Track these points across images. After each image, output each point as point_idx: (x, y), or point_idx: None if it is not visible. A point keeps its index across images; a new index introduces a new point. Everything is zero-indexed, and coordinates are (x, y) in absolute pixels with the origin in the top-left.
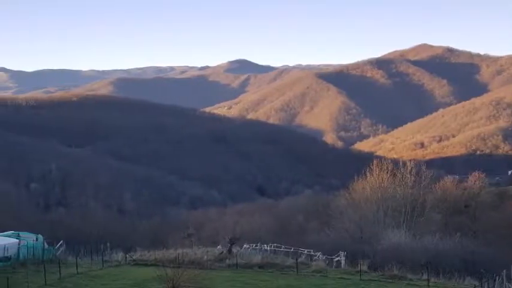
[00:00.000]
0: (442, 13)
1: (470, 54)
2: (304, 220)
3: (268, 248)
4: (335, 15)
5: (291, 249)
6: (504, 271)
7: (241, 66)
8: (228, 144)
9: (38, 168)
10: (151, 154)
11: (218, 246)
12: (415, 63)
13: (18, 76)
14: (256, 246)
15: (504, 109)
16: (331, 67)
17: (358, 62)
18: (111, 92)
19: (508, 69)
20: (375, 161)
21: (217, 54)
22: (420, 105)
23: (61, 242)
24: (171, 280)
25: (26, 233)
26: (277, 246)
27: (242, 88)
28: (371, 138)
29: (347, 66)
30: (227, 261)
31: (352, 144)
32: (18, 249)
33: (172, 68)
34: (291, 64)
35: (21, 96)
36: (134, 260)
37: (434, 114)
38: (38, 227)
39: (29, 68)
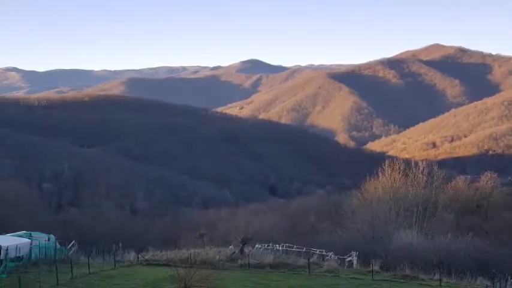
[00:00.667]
0: (454, 13)
1: (482, 54)
2: (316, 220)
3: (280, 248)
4: (347, 15)
5: (303, 249)
6: None
7: (253, 66)
8: (240, 144)
9: (50, 168)
10: (163, 154)
11: (230, 246)
12: (427, 63)
13: (30, 76)
14: (268, 246)
15: None
16: (343, 67)
17: (370, 62)
18: (123, 92)
19: None
20: (386, 161)
21: (229, 54)
22: (432, 105)
23: (73, 242)
24: (183, 280)
25: (38, 233)
26: (289, 246)
27: (254, 88)
28: (383, 138)
29: (359, 66)
30: (239, 261)
31: (364, 144)
32: (30, 249)
33: (184, 68)
34: (303, 64)
35: (33, 96)
36: (146, 260)
37: (446, 114)
38: (50, 227)
39: (41, 68)
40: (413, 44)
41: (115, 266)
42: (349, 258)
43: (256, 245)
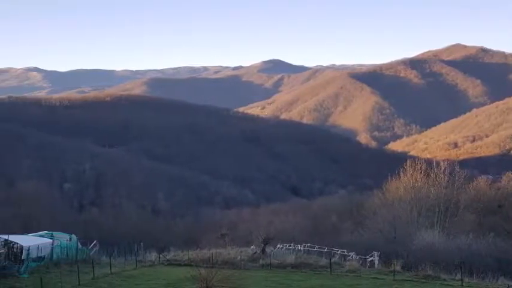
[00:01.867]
0: (475, 13)
1: (503, 54)
2: (337, 220)
3: (301, 248)
4: (368, 15)
5: (324, 249)
6: None
7: (275, 66)
8: (262, 144)
9: (72, 168)
10: (184, 154)
11: (252, 246)
12: (449, 63)
13: (52, 76)
14: (290, 246)
15: None
16: (365, 67)
17: (391, 62)
18: (145, 92)
19: None
20: (408, 161)
21: (250, 54)
22: (454, 105)
23: (95, 242)
24: (204, 280)
25: (59, 233)
26: (310, 246)
27: (276, 88)
28: (404, 138)
29: (381, 66)
30: (261, 261)
31: (386, 144)
32: (52, 249)
33: (206, 68)
34: (325, 64)
35: (55, 96)
36: (168, 260)
37: (468, 114)
38: (72, 227)
39: (63, 68)
40: (434, 44)
41: (136, 266)
42: (370, 258)
43: (278, 245)
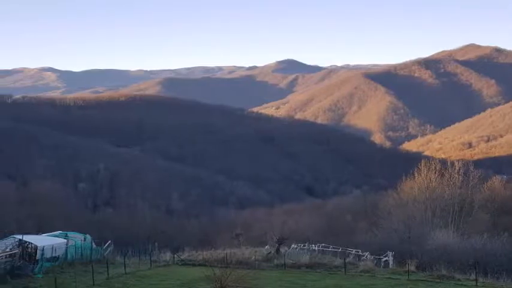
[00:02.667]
0: (489, 13)
1: None
2: (352, 220)
3: (316, 248)
4: (383, 15)
5: (339, 249)
6: None
7: (289, 66)
8: (276, 144)
9: (86, 168)
10: (199, 154)
11: (266, 246)
12: (463, 63)
13: (66, 76)
14: (304, 246)
15: None
16: (379, 67)
17: (406, 62)
18: (159, 92)
19: None
20: (423, 161)
21: (265, 54)
22: (468, 105)
23: (109, 242)
24: (219, 280)
25: (74, 233)
26: (325, 246)
27: (290, 88)
28: (419, 138)
29: (395, 66)
30: (275, 261)
31: (400, 144)
32: (66, 249)
33: (220, 68)
34: (339, 64)
35: (69, 96)
36: (182, 260)
37: (482, 114)
38: (86, 227)
39: (77, 68)
40: (449, 44)
41: (151, 266)
42: (385, 258)
43: (293, 245)
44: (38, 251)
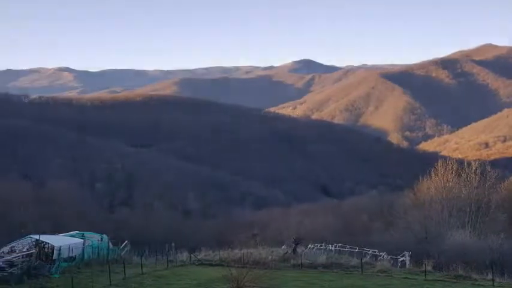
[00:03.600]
0: (506, 13)
1: None
2: (368, 220)
3: (332, 248)
4: (400, 15)
5: (355, 249)
6: None
7: (306, 66)
8: (293, 144)
9: (103, 168)
10: (215, 154)
11: (283, 246)
12: (480, 63)
13: (83, 76)
14: (321, 246)
15: None
16: (396, 67)
17: (423, 62)
18: (176, 92)
19: None
20: (439, 161)
21: (282, 54)
22: (485, 105)
23: (126, 242)
24: (235, 280)
25: (90, 233)
26: (341, 246)
27: (307, 88)
28: (435, 138)
29: (412, 66)
30: (292, 261)
31: (417, 144)
32: (83, 249)
33: (237, 68)
34: (356, 64)
35: (86, 96)
36: (199, 260)
37: (499, 114)
38: (103, 227)
39: (94, 68)
40: (466, 44)
41: (168, 266)
42: (401, 258)
43: (309, 245)
44: (54, 251)
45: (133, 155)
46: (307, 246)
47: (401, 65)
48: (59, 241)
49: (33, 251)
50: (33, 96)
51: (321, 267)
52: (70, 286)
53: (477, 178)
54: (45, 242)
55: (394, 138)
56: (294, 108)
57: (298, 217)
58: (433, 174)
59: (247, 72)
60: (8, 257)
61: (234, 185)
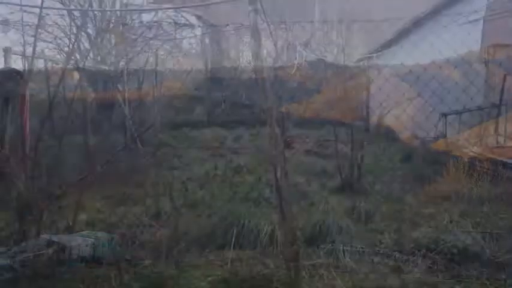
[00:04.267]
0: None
1: None
2: None
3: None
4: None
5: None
6: None
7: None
8: None
9: None
10: None
11: None
12: (492, 60)
13: None
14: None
15: None
16: (407, 66)
17: (434, 60)
18: None
19: None
20: (451, 161)
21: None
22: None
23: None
24: None
25: (102, 233)
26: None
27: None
28: (447, 137)
29: (423, 66)
30: None
31: (428, 143)
32: (95, 249)
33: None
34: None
35: None
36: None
37: None
38: (113, 227)
39: None
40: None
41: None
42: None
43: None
44: (66, 251)
45: None
46: None
47: (412, 64)
48: (69, 241)
49: (45, 251)
50: None
51: None
52: (80, 287)
53: (489, 178)
54: (57, 242)
55: (405, 137)
56: None
57: None
58: (444, 174)
59: None
60: (19, 257)
61: None
